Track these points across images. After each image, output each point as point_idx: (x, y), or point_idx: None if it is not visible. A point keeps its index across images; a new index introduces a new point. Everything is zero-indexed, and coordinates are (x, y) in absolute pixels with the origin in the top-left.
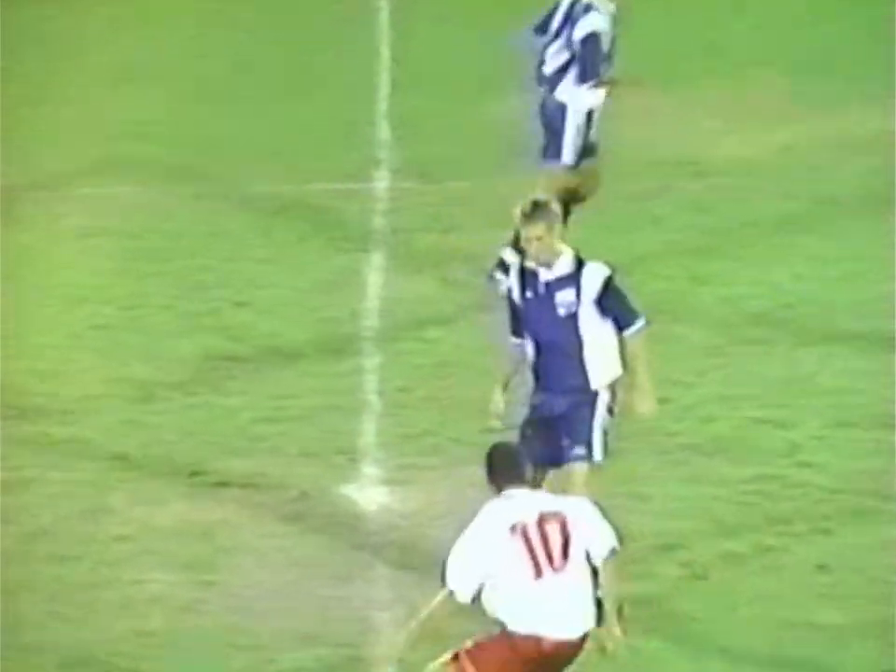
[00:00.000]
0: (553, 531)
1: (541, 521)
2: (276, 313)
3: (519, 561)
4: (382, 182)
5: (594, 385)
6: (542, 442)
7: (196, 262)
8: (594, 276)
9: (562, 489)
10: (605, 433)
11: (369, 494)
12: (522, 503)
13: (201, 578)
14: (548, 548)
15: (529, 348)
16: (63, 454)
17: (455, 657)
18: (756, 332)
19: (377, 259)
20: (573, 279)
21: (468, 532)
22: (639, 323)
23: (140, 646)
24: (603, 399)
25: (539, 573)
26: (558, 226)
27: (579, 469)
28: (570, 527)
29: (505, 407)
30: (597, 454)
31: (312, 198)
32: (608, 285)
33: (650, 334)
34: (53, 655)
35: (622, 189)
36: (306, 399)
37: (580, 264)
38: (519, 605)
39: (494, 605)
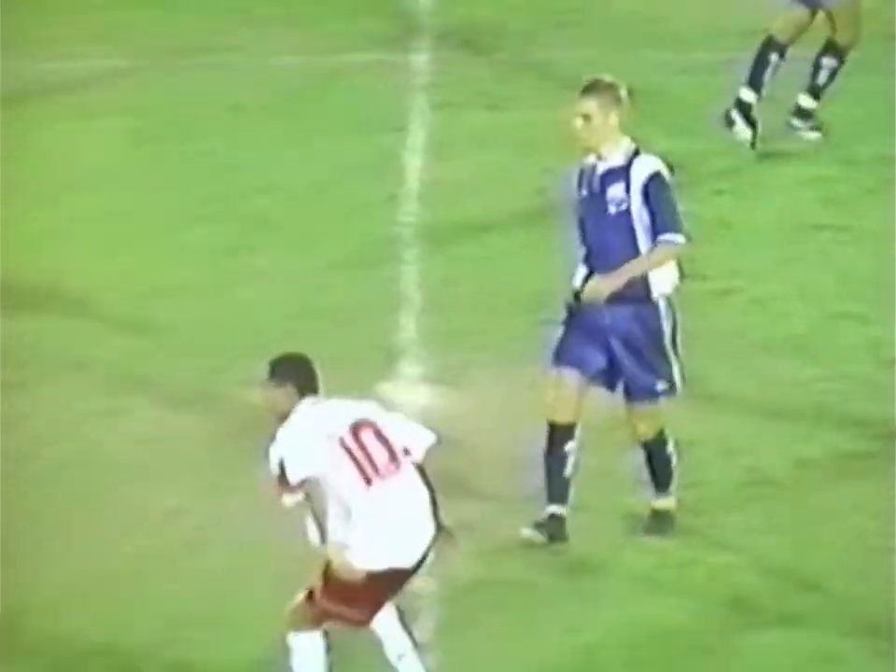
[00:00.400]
0: (369, 438)
1: (355, 429)
2: (303, 198)
3: (345, 470)
4: (422, 54)
5: (654, 295)
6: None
7: (213, 143)
8: (642, 168)
9: (634, 424)
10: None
11: (408, 394)
12: (329, 410)
13: (226, 486)
14: (369, 456)
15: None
16: (68, 351)
17: (310, 594)
18: (837, 218)
19: (416, 139)
20: (624, 172)
21: (286, 438)
22: (674, 237)
23: (154, 568)
24: (667, 315)
25: (368, 481)
26: (616, 111)
27: (660, 404)
28: (385, 432)
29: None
30: (680, 386)
31: (342, 71)
32: (653, 178)
33: (719, 220)
34: (53, 579)
35: (681, 62)
36: (337, 293)
37: (634, 156)
38: (356, 519)
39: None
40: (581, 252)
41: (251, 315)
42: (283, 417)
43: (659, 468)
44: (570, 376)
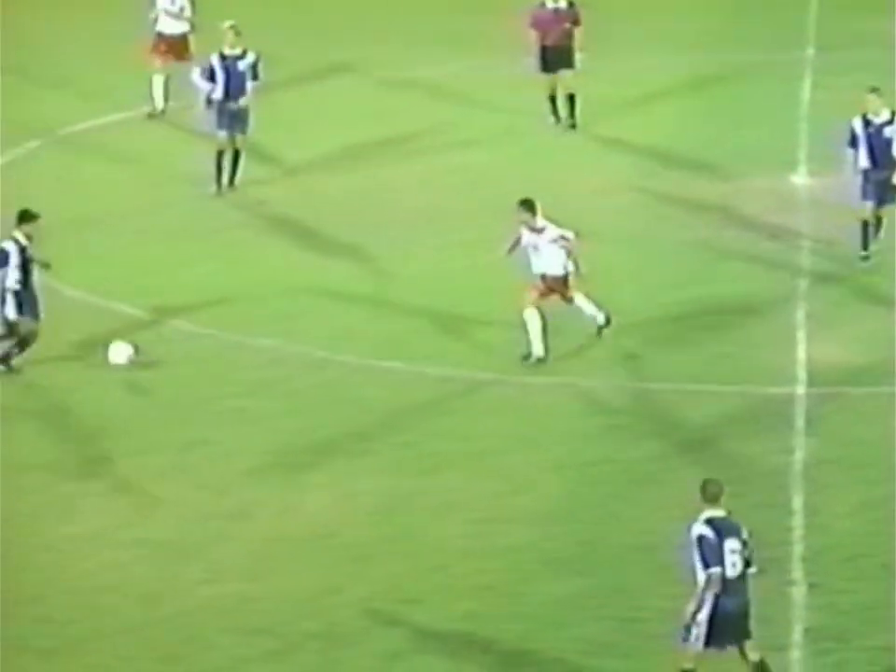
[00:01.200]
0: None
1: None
2: None
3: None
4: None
5: None
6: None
7: None
8: None
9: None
10: None
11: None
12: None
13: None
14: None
15: (863, 152)
16: None
17: (534, 294)
18: None
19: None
20: (891, 121)
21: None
22: None
23: None
24: None
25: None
26: (880, 99)
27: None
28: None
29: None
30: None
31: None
32: None
33: None
34: None
35: None
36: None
37: (892, 114)
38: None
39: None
40: (867, 151)
41: None
42: (529, 224)
43: (877, 231)
44: (866, 204)
